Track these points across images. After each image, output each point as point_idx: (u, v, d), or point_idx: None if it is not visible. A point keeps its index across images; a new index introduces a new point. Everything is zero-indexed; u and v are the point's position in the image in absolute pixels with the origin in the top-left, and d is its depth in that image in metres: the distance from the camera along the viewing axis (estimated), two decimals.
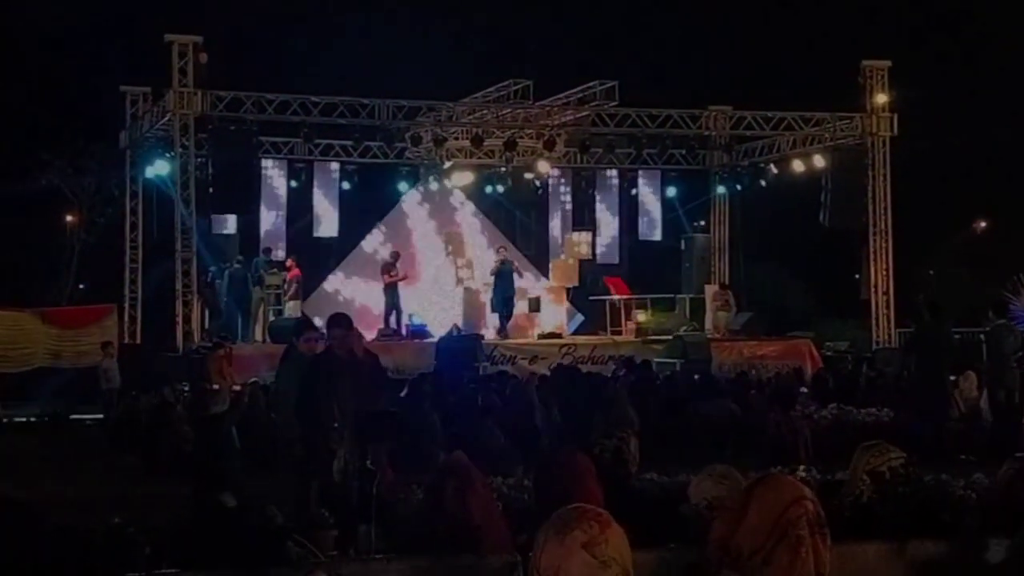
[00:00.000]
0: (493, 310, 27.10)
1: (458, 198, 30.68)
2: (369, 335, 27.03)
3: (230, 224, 28.51)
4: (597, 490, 5.19)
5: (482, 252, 29.39)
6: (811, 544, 3.49)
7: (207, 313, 26.28)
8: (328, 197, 29.41)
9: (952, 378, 17.73)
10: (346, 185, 29.34)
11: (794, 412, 16.45)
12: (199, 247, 25.51)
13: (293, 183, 29.07)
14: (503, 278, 26.81)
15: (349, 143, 27.90)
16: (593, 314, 30.12)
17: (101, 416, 21.40)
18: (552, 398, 17.24)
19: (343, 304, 28.70)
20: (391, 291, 26.78)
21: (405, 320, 26.91)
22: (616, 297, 29.22)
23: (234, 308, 25.40)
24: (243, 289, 25.48)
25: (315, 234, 29.71)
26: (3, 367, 23.96)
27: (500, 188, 30.16)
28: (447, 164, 29.31)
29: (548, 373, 21.42)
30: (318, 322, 27.51)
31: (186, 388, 19.24)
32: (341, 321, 10.92)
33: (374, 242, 29.78)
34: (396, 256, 27.57)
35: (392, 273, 26.85)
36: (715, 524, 3.63)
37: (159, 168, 27.19)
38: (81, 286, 39.98)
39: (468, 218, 30.79)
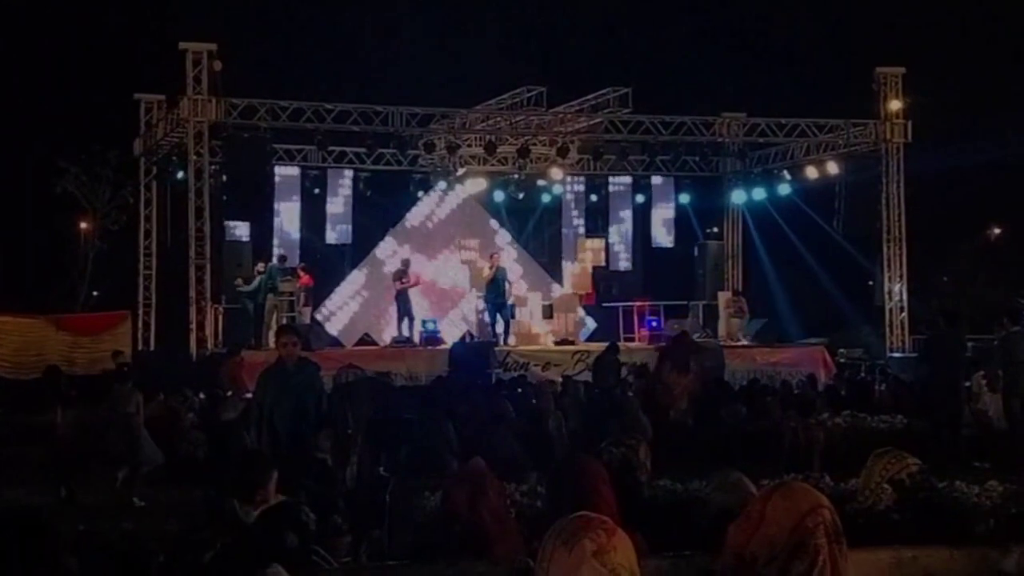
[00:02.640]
0: (487, 319, 27.07)
1: (471, 205, 30.66)
2: (383, 341, 27.29)
3: (244, 231, 28.59)
4: (611, 496, 5.16)
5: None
6: (828, 553, 3.46)
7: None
8: (342, 204, 29.44)
9: (966, 385, 17.66)
10: (360, 192, 29.36)
11: (810, 419, 16.40)
12: (212, 254, 25.56)
13: (307, 190, 29.11)
14: (495, 286, 26.72)
15: (363, 150, 27.92)
16: (606, 321, 30.10)
17: None
18: (566, 404, 17.24)
19: (357, 310, 28.78)
20: (402, 298, 26.77)
21: (417, 327, 26.90)
22: (629, 303, 29.28)
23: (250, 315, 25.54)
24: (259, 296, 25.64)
25: (328, 241, 29.74)
26: (17, 374, 23.99)
27: (513, 195, 30.17)
28: (460, 171, 29.34)
29: (560, 380, 21.44)
30: (330, 328, 27.75)
31: (199, 395, 19.27)
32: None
33: (387, 249, 29.78)
34: (407, 263, 27.56)
35: (403, 280, 26.85)
36: (730, 532, 3.60)
37: (173, 175, 27.26)
38: (95, 293, 40.07)
39: (481, 225, 30.78)
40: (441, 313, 28.77)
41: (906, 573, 6.14)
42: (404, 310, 26.70)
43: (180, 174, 26.80)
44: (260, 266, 26.12)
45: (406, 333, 26.54)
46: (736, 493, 6.10)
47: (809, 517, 3.49)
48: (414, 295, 27.28)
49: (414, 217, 30.34)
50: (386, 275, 28.21)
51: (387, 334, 27.53)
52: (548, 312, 28.54)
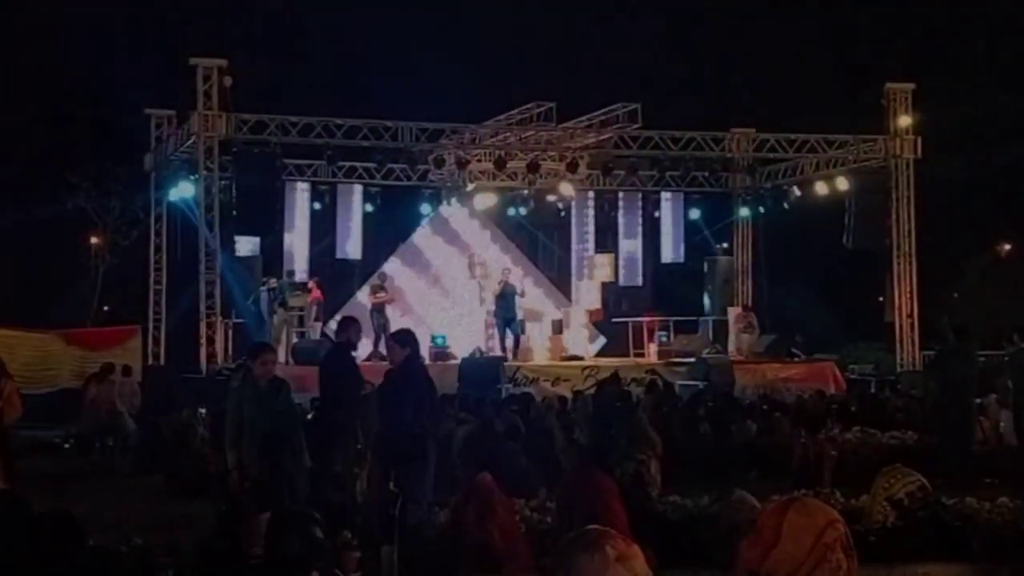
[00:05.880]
0: (497, 334, 26.99)
1: (481, 220, 30.70)
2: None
3: (254, 246, 28.62)
4: (621, 510, 5.17)
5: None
6: (847, 569, 3.47)
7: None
8: (351, 219, 29.47)
9: (977, 401, 17.61)
10: (369, 207, 29.38)
11: (819, 435, 16.38)
12: (222, 269, 25.60)
13: (316, 205, 29.14)
14: (505, 301, 26.69)
15: (372, 165, 27.94)
16: (616, 336, 30.08)
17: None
18: (580, 420, 17.27)
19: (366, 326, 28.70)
20: (377, 313, 26.52)
21: (427, 342, 26.63)
22: (639, 319, 29.31)
23: (265, 327, 25.54)
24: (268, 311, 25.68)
25: (338, 256, 29.77)
26: (28, 388, 24.05)
27: (523, 210, 30.18)
28: (470, 186, 29.36)
29: (570, 395, 21.45)
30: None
31: (203, 411, 19.28)
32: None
33: (395, 264, 29.80)
34: (383, 277, 27.55)
35: (378, 295, 26.69)
36: (742, 549, 3.59)
37: (183, 190, 27.30)
38: (105, 307, 40.15)
39: (491, 240, 30.81)
40: (450, 328, 28.75)
41: None
42: (379, 325, 26.28)
43: (190, 189, 26.85)
44: (272, 281, 26.15)
45: (382, 351, 26.04)
46: (744, 509, 6.12)
47: (827, 532, 3.49)
48: (427, 309, 27.23)
49: (423, 233, 30.37)
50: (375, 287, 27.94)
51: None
52: (558, 327, 28.54)
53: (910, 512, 6.87)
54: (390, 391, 10.49)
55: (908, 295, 28.33)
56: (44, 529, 6.41)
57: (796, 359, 27.89)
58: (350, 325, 13.07)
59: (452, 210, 30.09)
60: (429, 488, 10.35)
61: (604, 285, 30.69)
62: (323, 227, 29.53)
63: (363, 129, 26.25)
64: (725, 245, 33.85)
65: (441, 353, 26.46)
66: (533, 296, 29.48)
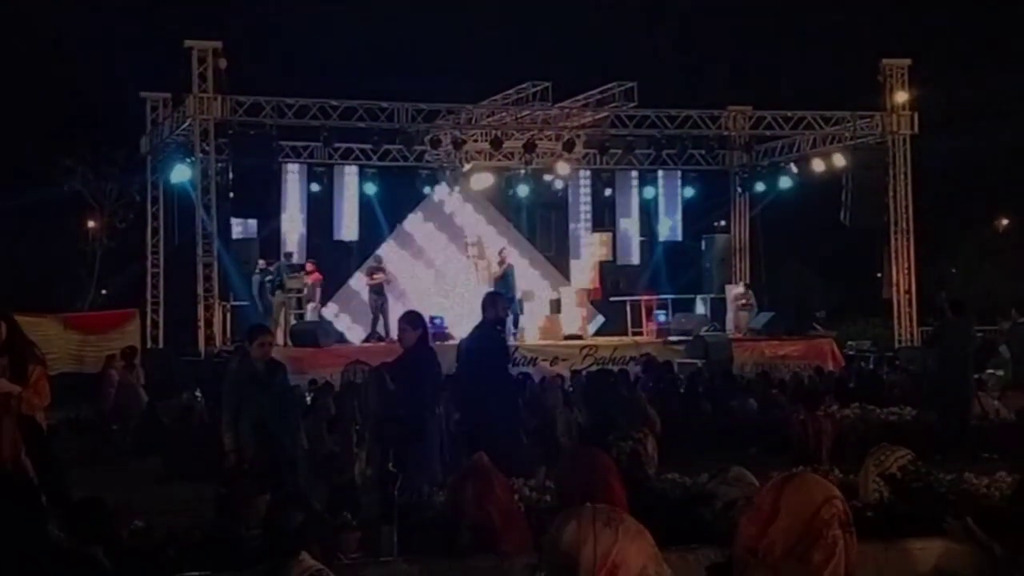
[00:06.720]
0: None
1: (478, 200, 30.64)
2: (391, 337, 27.15)
3: (251, 229, 28.59)
4: (620, 488, 5.16)
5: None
6: (844, 544, 3.47)
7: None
8: (348, 200, 29.40)
9: (975, 376, 17.63)
10: (366, 188, 29.34)
11: (818, 412, 16.39)
12: (220, 252, 25.57)
13: (313, 187, 29.08)
14: (505, 282, 26.68)
15: (369, 146, 27.89)
16: (614, 315, 30.08)
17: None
18: (578, 399, 17.28)
19: (364, 307, 28.75)
20: (376, 294, 26.57)
21: (392, 327, 26.43)
22: (637, 297, 29.31)
23: (257, 312, 25.51)
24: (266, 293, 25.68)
25: (335, 237, 29.73)
26: None
27: (520, 190, 30.15)
28: (467, 167, 29.33)
29: (568, 374, 21.45)
30: (338, 325, 27.71)
31: (199, 394, 19.27)
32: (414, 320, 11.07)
33: (393, 245, 29.74)
34: (379, 260, 27.56)
35: (375, 276, 26.68)
36: (741, 525, 3.59)
37: (180, 173, 27.24)
38: (103, 291, 40.17)
39: (488, 220, 30.75)
40: (448, 309, 28.74)
41: (905, 564, 6.16)
42: (378, 307, 26.40)
43: (186, 172, 26.80)
44: (264, 263, 26.14)
45: (380, 331, 26.24)
46: (741, 486, 6.13)
47: (824, 508, 3.49)
48: (423, 291, 27.19)
49: (420, 213, 30.32)
50: (371, 268, 27.88)
51: (394, 331, 27.36)
52: (556, 307, 28.53)
53: (904, 485, 6.87)
54: (405, 373, 10.50)
55: (906, 271, 28.35)
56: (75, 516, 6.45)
57: (814, 332, 27.99)
58: (497, 301, 12.85)
59: (448, 190, 30.05)
60: (435, 470, 10.36)
61: (601, 264, 30.66)
62: (320, 209, 29.47)
63: (359, 110, 26.22)
64: (723, 223, 33.83)
65: (439, 334, 26.43)
66: (530, 276, 29.47)
